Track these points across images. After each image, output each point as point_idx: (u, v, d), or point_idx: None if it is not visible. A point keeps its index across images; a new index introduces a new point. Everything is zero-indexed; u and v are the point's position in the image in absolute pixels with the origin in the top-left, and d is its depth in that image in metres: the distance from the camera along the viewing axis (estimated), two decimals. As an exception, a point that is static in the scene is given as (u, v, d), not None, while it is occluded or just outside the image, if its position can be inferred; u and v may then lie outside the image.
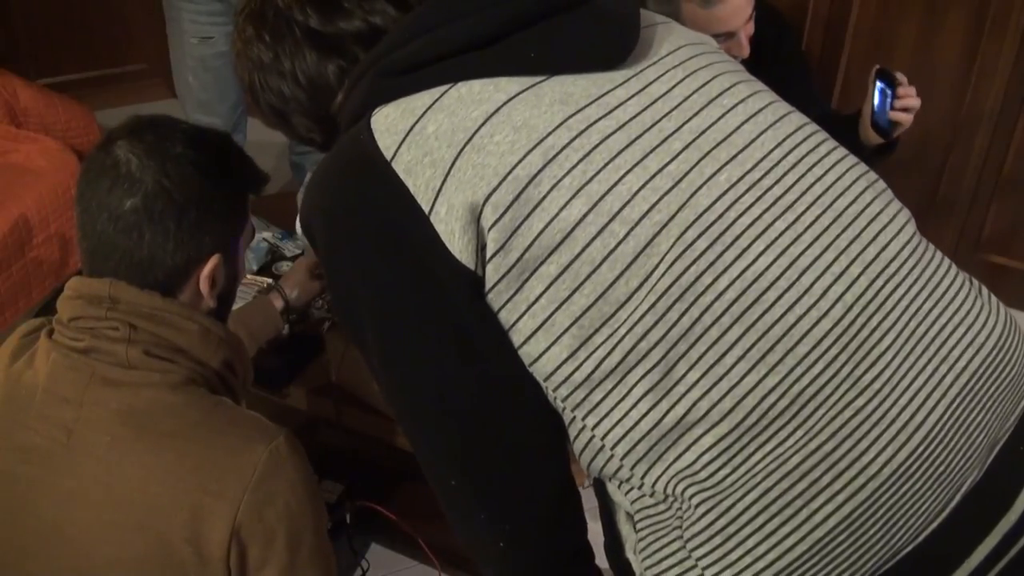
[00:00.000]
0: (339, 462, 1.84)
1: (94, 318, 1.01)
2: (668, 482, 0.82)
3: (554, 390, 0.83)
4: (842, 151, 0.89)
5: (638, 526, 0.86)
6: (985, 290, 0.92)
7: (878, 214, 0.86)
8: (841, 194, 0.85)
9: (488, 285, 0.79)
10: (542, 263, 0.78)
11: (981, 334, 0.86)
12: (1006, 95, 2.49)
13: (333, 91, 0.89)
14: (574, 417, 0.83)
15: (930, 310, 0.85)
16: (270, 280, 1.82)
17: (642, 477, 0.83)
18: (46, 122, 2.65)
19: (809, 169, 0.85)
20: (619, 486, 0.86)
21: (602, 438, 0.83)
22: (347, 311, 0.85)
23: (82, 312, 1.02)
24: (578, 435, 0.85)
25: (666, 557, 0.83)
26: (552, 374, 0.81)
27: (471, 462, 0.84)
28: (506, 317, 0.80)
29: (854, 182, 0.87)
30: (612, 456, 0.83)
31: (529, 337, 0.80)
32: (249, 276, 1.86)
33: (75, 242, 2.67)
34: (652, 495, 0.84)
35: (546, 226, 0.77)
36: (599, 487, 0.91)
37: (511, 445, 0.84)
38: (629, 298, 0.78)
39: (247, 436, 1.02)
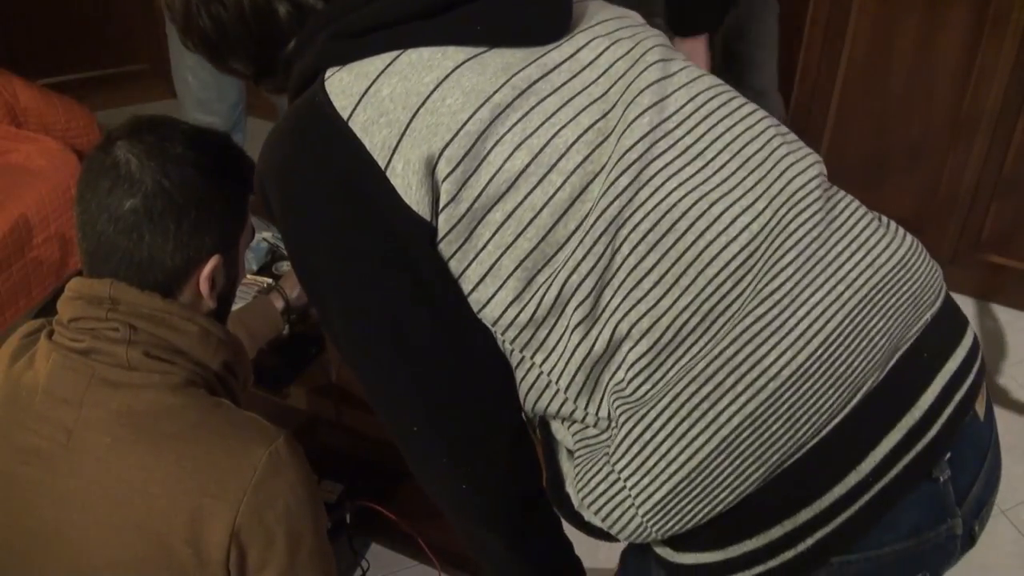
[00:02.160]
0: (339, 462, 1.84)
1: (94, 319, 1.01)
2: (608, 404, 0.87)
3: (502, 333, 0.88)
4: (752, 107, 0.97)
5: (576, 458, 0.91)
6: (894, 225, 0.99)
7: (784, 156, 0.93)
8: (749, 142, 0.92)
9: (440, 235, 0.84)
10: (489, 211, 0.83)
11: (882, 256, 0.93)
12: (1006, 95, 2.49)
13: (280, 33, 0.90)
14: (523, 357, 0.89)
15: (831, 236, 0.91)
16: (270, 280, 1.82)
17: (585, 408, 0.88)
18: (46, 122, 2.65)
19: (719, 121, 0.92)
20: (563, 423, 0.91)
21: (548, 374, 0.88)
22: (305, 269, 0.89)
23: (82, 313, 1.02)
24: (525, 375, 0.89)
25: (594, 478, 0.88)
26: (500, 317, 0.86)
27: (431, 407, 0.89)
28: (456, 266, 0.85)
29: (763, 132, 0.94)
30: (558, 391, 0.88)
31: (478, 283, 0.85)
32: (249, 276, 1.86)
33: (75, 242, 2.67)
34: (596, 424, 0.88)
35: (492, 177, 0.83)
36: (543, 429, 0.95)
37: (467, 386, 0.89)
38: (568, 240, 0.85)
39: (246, 438, 1.02)
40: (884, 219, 0.98)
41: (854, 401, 0.87)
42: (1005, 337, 2.68)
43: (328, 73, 0.86)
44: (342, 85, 0.84)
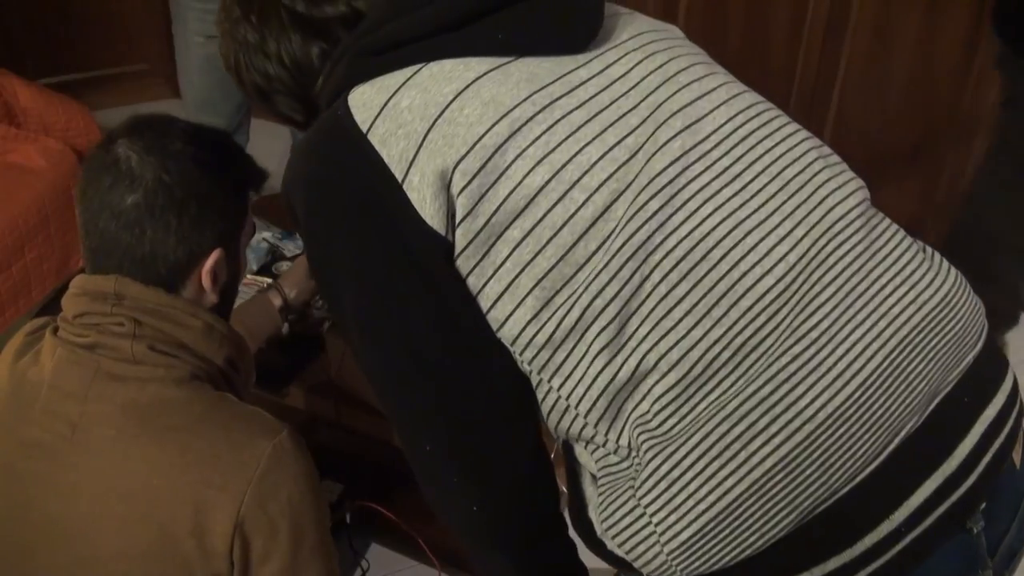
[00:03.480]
0: (339, 462, 1.84)
1: (99, 314, 1.02)
2: (630, 434, 0.85)
3: (520, 354, 0.86)
4: (795, 126, 0.94)
5: (599, 484, 0.89)
6: (938, 256, 0.95)
7: (826, 182, 0.90)
8: (789, 165, 0.89)
9: (457, 250, 0.83)
10: (507, 227, 0.82)
11: (925, 292, 0.89)
12: (1006, 95, 2.49)
13: (316, 73, 0.93)
14: (540, 379, 0.87)
15: (872, 269, 0.88)
16: (270, 280, 1.82)
17: (606, 434, 0.86)
18: (46, 122, 2.65)
19: (759, 142, 0.89)
20: (585, 447, 0.90)
21: (567, 398, 0.86)
22: (325, 279, 0.89)
23: (87, 308, 1.03)
24: (545, 397, 0.88)
25: (618, 509, 0.86)
26: (518, 337, 0.85)
27: (445, 424, 0.87)
28: (474, 282, 0.84)
29: (804, 154, 0.91)
30: (577, 415, 0.86)
31: (496, 301, 0.84)
32: (249, 276, 1.86)
33: (75, 242, 2.67)
34: (616, 452, 0.87)
35: (511, 192, 0.81)
36: (567, 450, 0.94)
37: (484, 406, 0.87)
38: (588, 260, 0.82)
39: (250, 431, 1.03)
40: (928, 250, 0.95)
41: (890, 447, 0.84)
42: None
43: (352, 89, 0.86)
44: (363, 99, 0.84)
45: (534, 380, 0.88)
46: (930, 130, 2.62)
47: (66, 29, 3.50)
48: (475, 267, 0.83)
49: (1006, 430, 0.90)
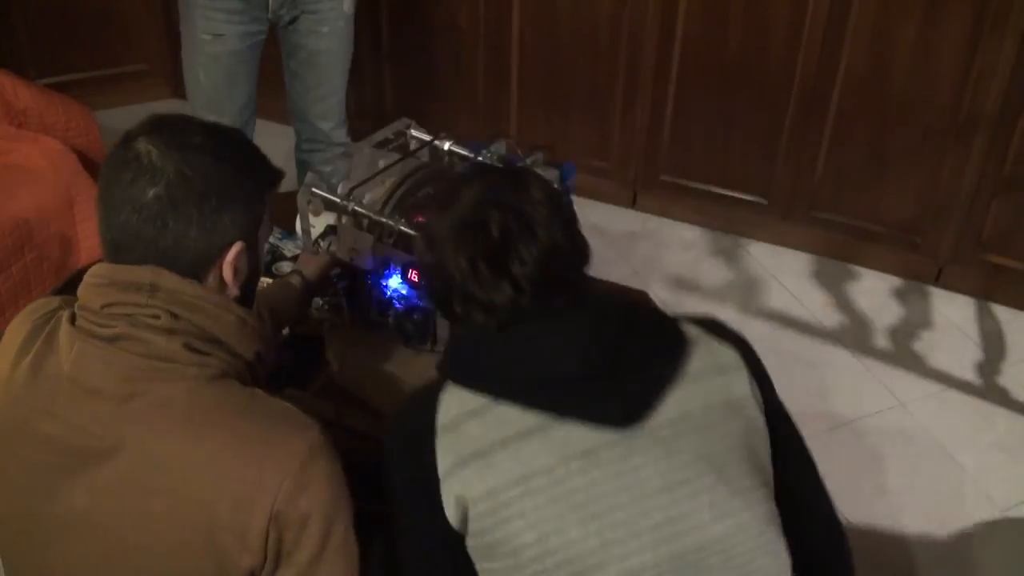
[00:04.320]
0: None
1: (132, 304, 1.02)
2: None
3: None
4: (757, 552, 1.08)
5: None
6: None
7: None
8: None
9: (466, 542, 1.09)
10: (495, 558, 1.06)
11: None
12: (1006, 95, 2.49)
13: (451, 314, 1.18)
14: None
15: None
16: (270, 280, 1.82)
17: None
18: (46, 122, 2.65)
19: None
20: None
21: None
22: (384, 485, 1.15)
23: (117, 298, 1.02)
24: None
25: None
26: None
27: None
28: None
29: None
30: None
31: None
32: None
33: (75, 242, 2.66)
34: None
35: (504, 537, 1.05)
36: None
37: None
38: None
39: (284, 428, 1.04)
40: None
41: None
42: (1005, 337, 2.68)
43: (448, 386, 1.10)
44: (449, 403, 1.08)
45: None
46: (930, 130, 2.63)
47: (66, 29, 3.51)
48: (476, 558, 1.08)
49: None
